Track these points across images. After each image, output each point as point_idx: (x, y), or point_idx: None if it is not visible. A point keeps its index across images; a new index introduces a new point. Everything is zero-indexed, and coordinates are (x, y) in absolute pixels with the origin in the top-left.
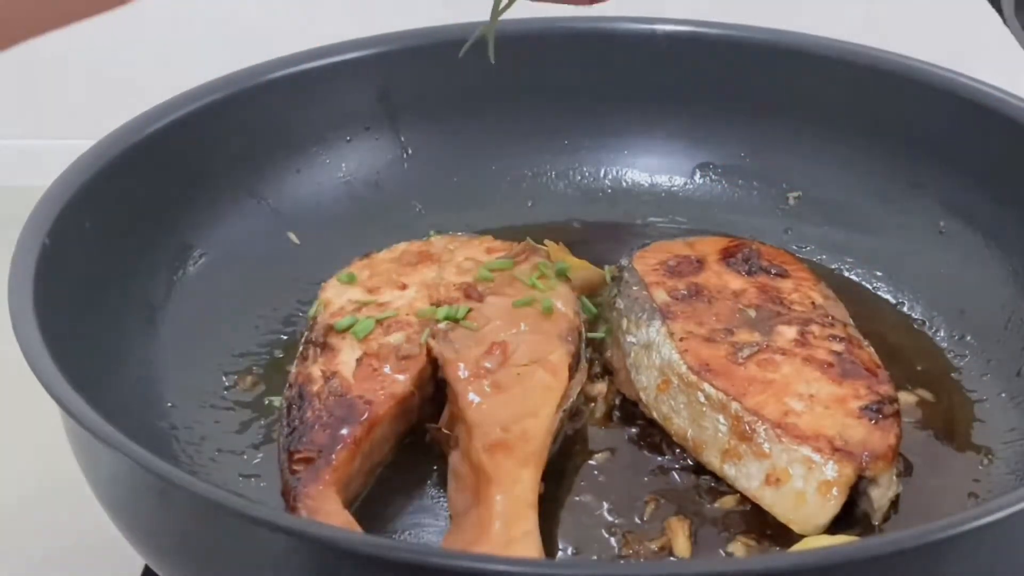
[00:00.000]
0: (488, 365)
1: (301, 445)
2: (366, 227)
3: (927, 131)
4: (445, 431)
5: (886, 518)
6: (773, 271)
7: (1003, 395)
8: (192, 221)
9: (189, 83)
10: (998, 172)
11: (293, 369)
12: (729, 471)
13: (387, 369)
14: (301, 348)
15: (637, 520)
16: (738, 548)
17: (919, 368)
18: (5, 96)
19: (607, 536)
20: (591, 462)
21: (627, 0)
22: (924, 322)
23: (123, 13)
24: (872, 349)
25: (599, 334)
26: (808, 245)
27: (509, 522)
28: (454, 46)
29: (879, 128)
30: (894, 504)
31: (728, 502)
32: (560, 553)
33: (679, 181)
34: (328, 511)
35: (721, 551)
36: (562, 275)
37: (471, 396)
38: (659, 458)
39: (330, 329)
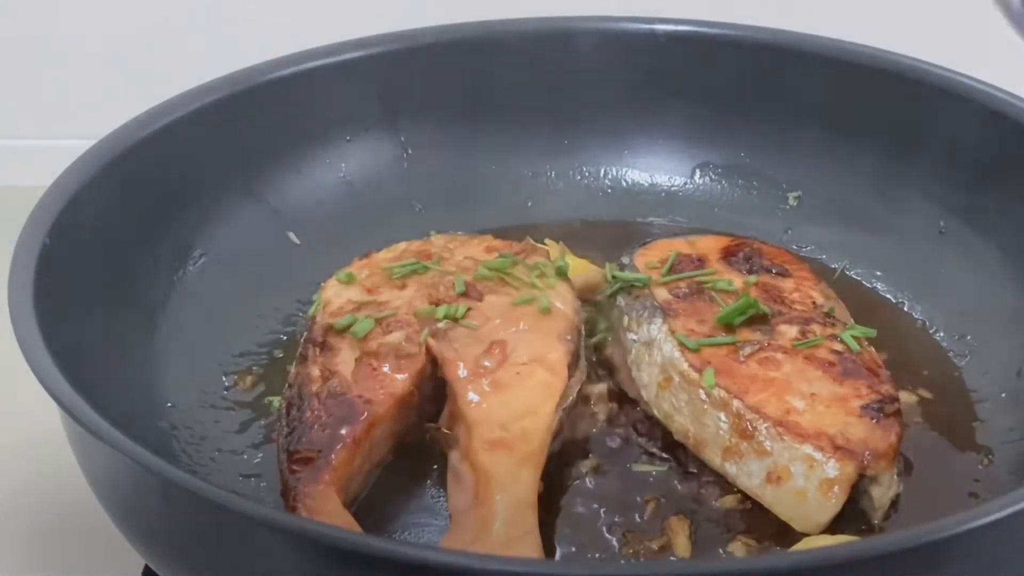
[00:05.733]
0: (487, 364)
1: (301, 445)
2: (366, 227)
3: (927, 131)
4: (445, 430)
5: (886, 517)
6: (774, 270)
7: (1003, 395)
8: (192, 221)
9: (189, 83)
10: (998, 172)
11: (293, 369)
12: (730, 469)
13: (386, 368)
14: (301, 348)
15: (637, 520)
16: (738, 548)
17: (920, 368)
18: (5, 96)
19: (607, 536)
20: (591, 462)
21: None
22: (924, 322)
23: (123, 13)
24: (873, 349)
25: (600, 336)
26: (808, 245)
27: (509, 521)
28: (454, 46)
29: (879, 128)
30: (894, 503)
31: (729, 501)
32: (560, 553)
33: (679, 181)
34: (328, 511)
35: (721, 551)
36: (562, 274)
37: (471, 395)
38: (659, 457)
39: (329, 329)
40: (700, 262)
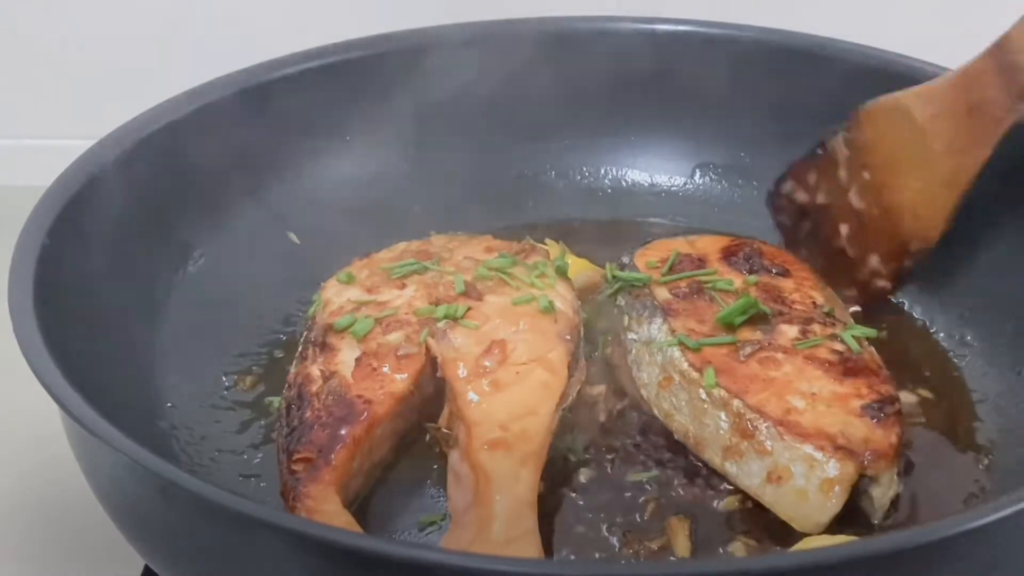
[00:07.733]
0: (487, 364)
1: (300, 445)
2: (366, 227)
3: None
4: (445, 430)
5: (886, 517)
6: (774, 270)
7: (1003, 395)
8: (192, 221)
9: (189, 83)
10: (999, 172)
11: (292, 369)
12: (730, 469)
13: (386, 368)
14: (301, 348)
15: (637, 520)
16: (738, 548)
17: (920, 368)
18: (5, 96)
19: (607, 535)
20: (591, 462)
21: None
22: (924, 322)
23: (123, 13)
24: (873, 348)
25: (600, 335)
26: None
27: (509, 521)
28: (453, 46)
29: None
30: (894, 503)
31: (729, 502)
32: (560, 553)
33: (679, 181)
34: (328, 511)
35: (721, 551)
36: (562, 274)
37: (470, 395)
38: (659, 457)
39: (329, 328)
40: (700, 262)
